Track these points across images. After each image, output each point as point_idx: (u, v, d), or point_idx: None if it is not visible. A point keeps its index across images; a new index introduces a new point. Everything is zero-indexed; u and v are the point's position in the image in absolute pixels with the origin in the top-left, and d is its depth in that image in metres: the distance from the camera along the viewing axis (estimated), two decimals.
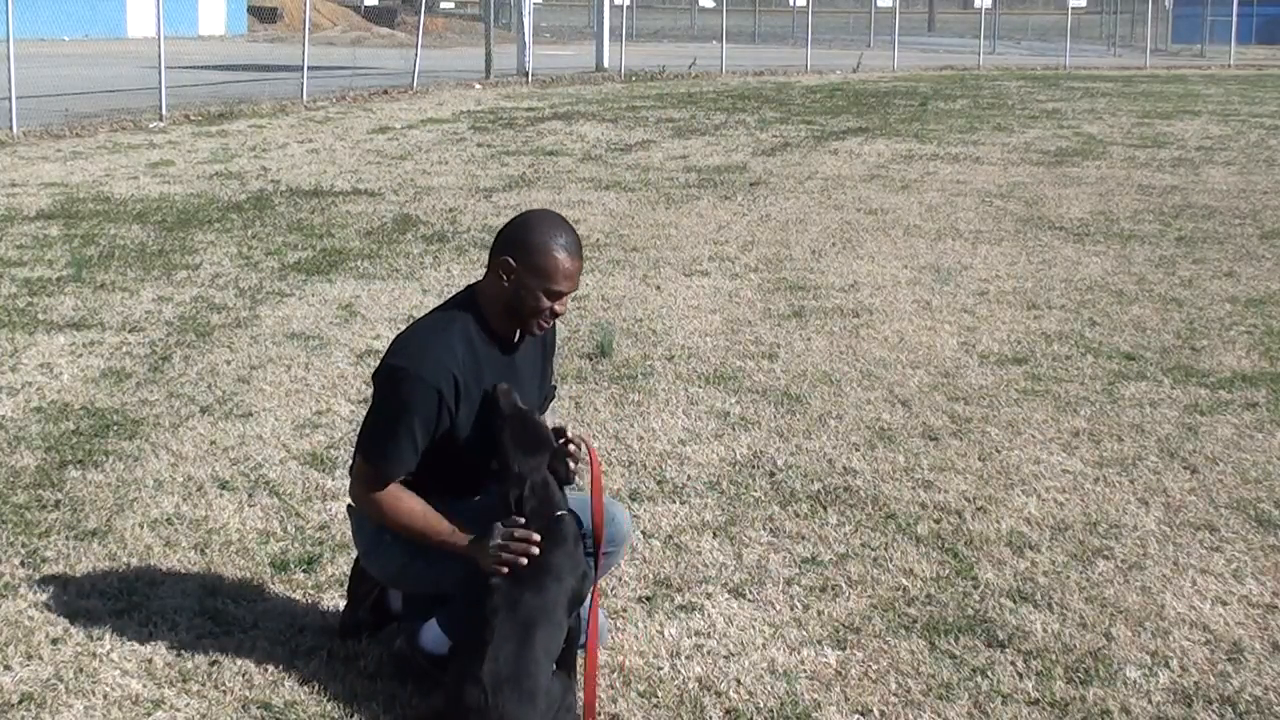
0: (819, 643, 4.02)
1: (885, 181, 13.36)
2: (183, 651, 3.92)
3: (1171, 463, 5.55)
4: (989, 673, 3.85)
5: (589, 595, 3.63)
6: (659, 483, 5.28)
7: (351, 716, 3.62)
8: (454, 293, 3.92)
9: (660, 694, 3.73)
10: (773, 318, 7.87)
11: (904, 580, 4.43)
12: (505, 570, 3.50)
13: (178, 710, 3.64)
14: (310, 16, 25.82)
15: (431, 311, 3.85)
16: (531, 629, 3.42)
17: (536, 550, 3.49)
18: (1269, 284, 8.93)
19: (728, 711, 3.66)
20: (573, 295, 3.78)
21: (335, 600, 4.24)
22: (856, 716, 3.66)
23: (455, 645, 3.69)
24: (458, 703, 3.34)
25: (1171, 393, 6.50)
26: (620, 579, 4.38)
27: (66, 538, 4.67)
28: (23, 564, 4.46)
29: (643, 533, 4.76)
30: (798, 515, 4.97)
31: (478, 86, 24.37)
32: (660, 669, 3.86)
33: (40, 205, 11.34)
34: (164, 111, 18.19)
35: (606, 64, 28.99)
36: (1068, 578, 4.46)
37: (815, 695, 3.74)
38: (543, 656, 3.41)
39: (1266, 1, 44.93)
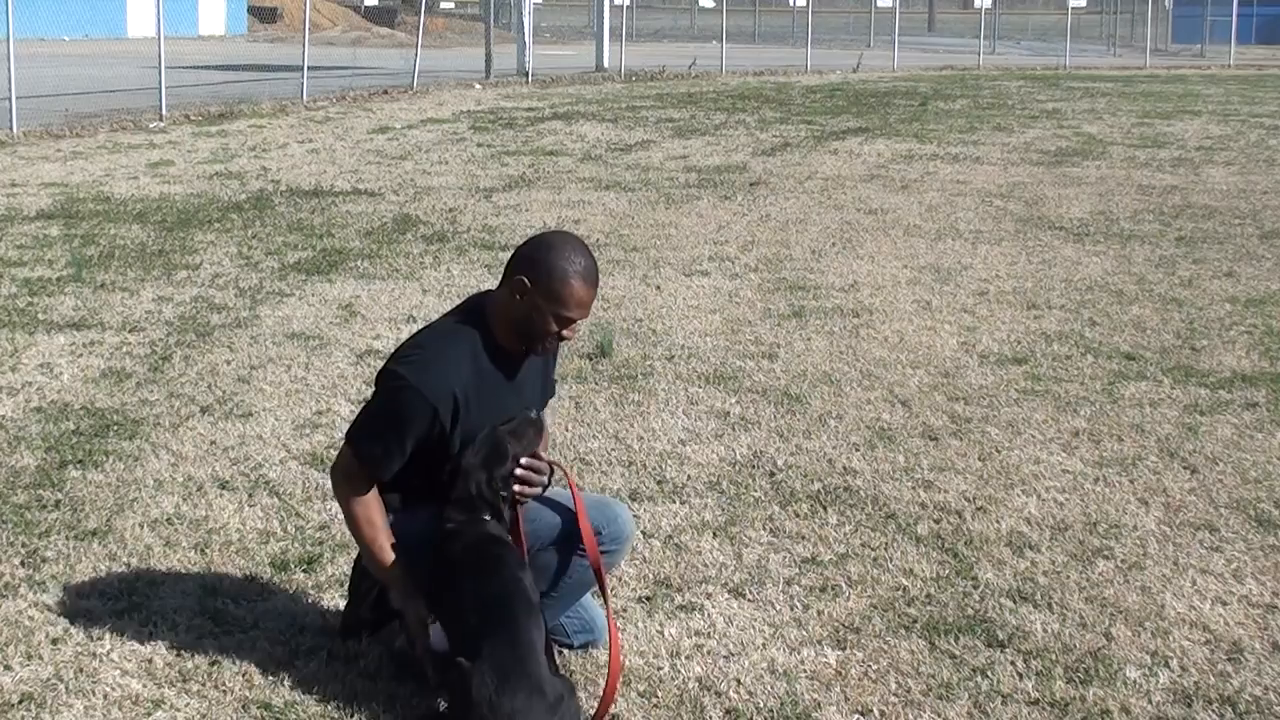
0: (819, 643, 4.02)
1: (885, 181, 13.36)
2: (183, 651, 3.92)
3: (1171, 463, 5.55)
4: (989, 673, 3.85)
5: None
6: (659, 483, 5.28)
7: (351, 716, 3.62)
8: (467, 296, 3.92)
9: (660, 694, 3.73)
10: (773, 318, 7.88)
11: (904, 580, 4.43)
12: (414, 632, 3.65)
13: (178, 710, 3.64)
14: (310, 16, 25.82)
15: (444, 318, 3.84)
16: (517, 621, 3.42)
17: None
18: (1269, 284, 8.93)
19: (728, 711, 3.66)
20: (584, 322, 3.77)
21: (335, 600, 4.24)
22: (856, 716, 3.66)
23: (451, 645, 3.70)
24: (465, 697, 3.34)
25: (1171, 393, 6.50)
26: (620, 579, 4.38)
27: (66, 538, 4.67)
28: (23, 564, 4.46)
29: (643, 533, 4.76)
30: (798, 515, 4.97)
31: (478, 86, 24.37)
32: (660, 669, 3.86)
33: (40, 205, 11.34)
34: (164, 111, 18.20)
35: (606, 64, 28.99)
36: (1068, 578, 4.46)
37: (815, 695, 3.74)
38: (536, 646, 3.40)
39: (1266, 1, 44.93)
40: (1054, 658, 3.94)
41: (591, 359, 6.90)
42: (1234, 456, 5.63)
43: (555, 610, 3.81)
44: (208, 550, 4.61)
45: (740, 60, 30.79)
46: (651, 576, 4.45)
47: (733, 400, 6.30)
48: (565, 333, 3.69)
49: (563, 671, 3.64)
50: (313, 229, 10.47)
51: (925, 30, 56.78)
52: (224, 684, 3.76)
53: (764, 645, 4.00)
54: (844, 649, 3.98)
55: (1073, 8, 36.75)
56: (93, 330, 7.43)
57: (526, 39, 27.08)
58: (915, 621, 4.15)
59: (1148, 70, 32.37)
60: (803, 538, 4.77)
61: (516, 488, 3.67)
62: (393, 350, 3.84)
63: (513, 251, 3.78)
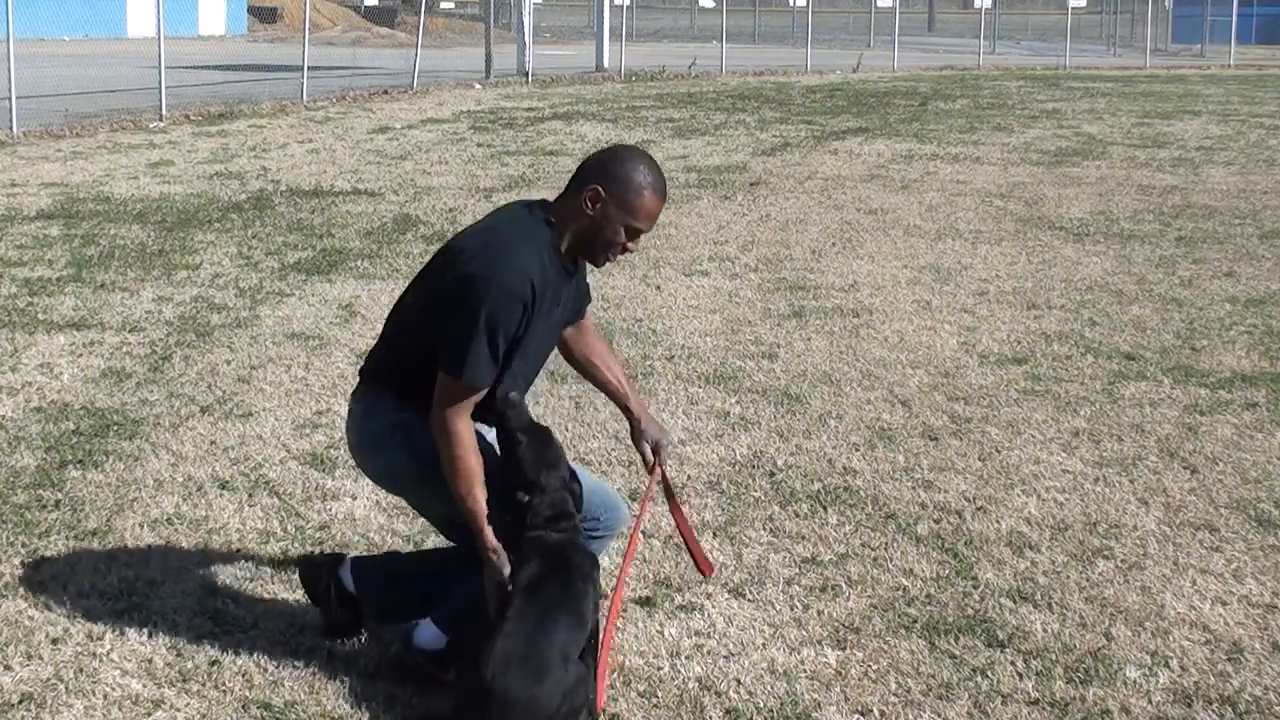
0: (819, 643, 4.02)
1: (885, 181, 13.36)
2: (183, 651, 3.92)
3: (1171, 463, 5.55)
4: (989, 673, 3.85)
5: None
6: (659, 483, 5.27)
7: (351, 716, 3.62)
8: (508, 204, 3.90)
9: (660, 694, 3.73)
10: (773, 318, 7.88)
11: (904, 580, 4.43)
12: (499, 589, 3.54)
13: (178, 710, 3.64)
14: (310, 16, 25.82)
15: (505, 218, 3.78)
16: (553, 614, 3.43)
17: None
18: (1269, 284, 8.93)
19: (728, 711, 3.66)
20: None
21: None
22: (856, 716, 3.66)
23: (453, 641, 3.69)
24: (463, 679, 3.36)
25: (1171, 393, 6.50)
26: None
27: (66, 538, 4.67)
28: (23, 564, 4.47)
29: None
30: (798, 515, 4.97)
31: (478, 86, 24.37)
32: (660, 669, 3.86)
33: (40, 205, 11.34)
34: (164, 111, 18.20)
35: (606, 64, 28.99)
36: (1068, 578, 4.46)
37: (815, 695, 3.74)
38: (560, 644, 3.41)
39: (1266, 1, 44.93)
40: (1054, 658, 3.94)
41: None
42: (1234, 456, 5.63)
43: None
44: (207, 550, 4.61)
45: (740, 60, 30.80)
46: (651, 576, 4.45)
47: (733, 400, 6.30)
48: (630, 245, 3.72)
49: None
50: (313, 229, 10.47)
51: (925, 30, 56.79)
52: (224, 684, 3.76)
53: (764, 645, 4.00)
54: (844, 649, 3.98)
55: (1073, 8, 36.75)
56: (93, 330, 7.43)
57: (526, 39, 27.08)
58: (915, 621, 4.15)
59: (1148, 70, 32.38)
60: (803, 538, 4.77)
61: None
62: (450, 249, 3.72)
63: (581, 162, 3.79)
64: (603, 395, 4.08)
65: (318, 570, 4.00)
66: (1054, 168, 14.49)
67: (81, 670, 3.82)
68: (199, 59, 29.20)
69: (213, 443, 5.67)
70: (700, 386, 6.51)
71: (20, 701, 3.66)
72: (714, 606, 4.25)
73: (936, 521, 4.92)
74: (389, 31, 47.81)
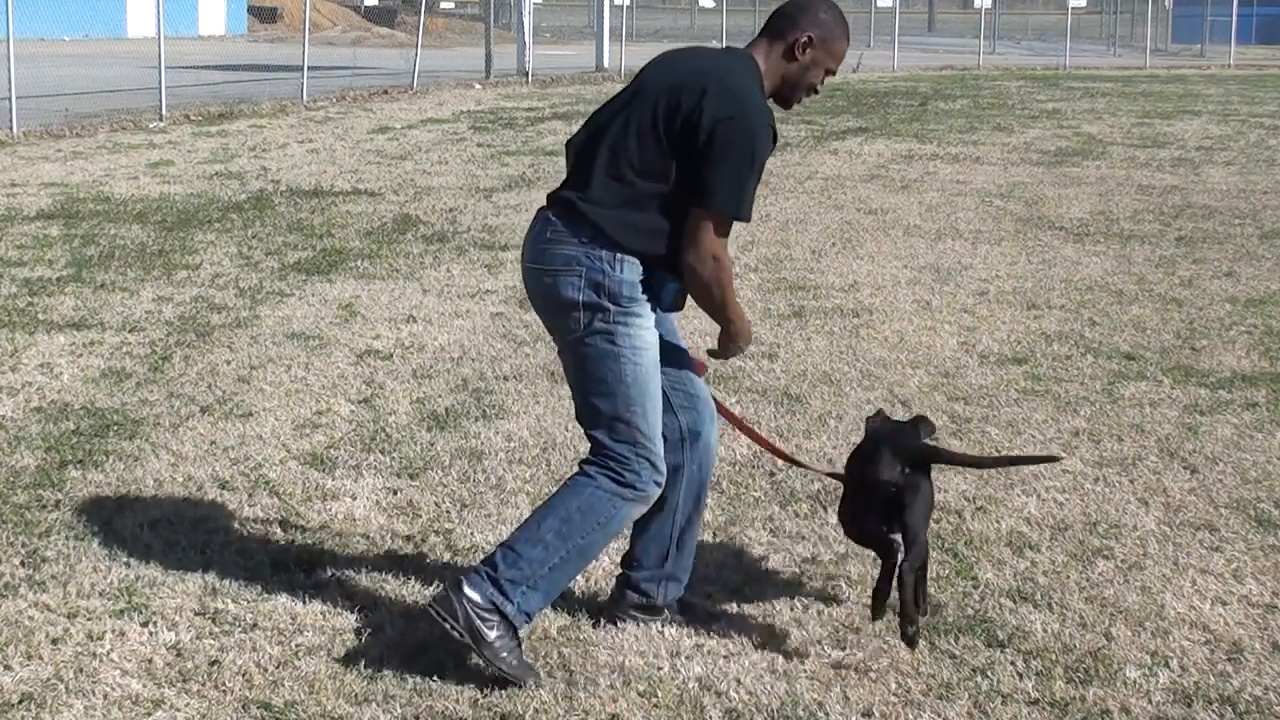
0: (819, 643, 4.02)
1: (885, 181, 13.36)
2: (183, 651, 3.92)
3: (1171, 463, 5.55)
4: (989, 673, 3.85)
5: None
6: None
7: (351, 716, 3.62)
8: (730, 48, 3.99)
9: (660, 694, 3.73)
10: (773, 318, 7.87)
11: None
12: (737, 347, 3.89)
13: (178, 710, 3.64)
14: (310, 16, 25.82)
15: (732, 63, 3.83)
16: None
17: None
18: (1269, 284, 8.93)
19: (727, 711, 3.66)
20: None
21: (335, 600, 4.23)
22: (856, 716, 3.65)
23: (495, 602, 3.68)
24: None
25: (1171, 393, 6.50)
26: None
27: (66, 538, 4.67)
28: (23, 564, 4.46)
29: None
30: (798, 515, 4.97)
31: (478, 86, 24.37)
32: (660, 669, 3.86)
33: (40, 205, 11.35)
34: (164, 111, 18.20)
35: (606, 64, 28.99)
36: (1068, 578, 4.46)
37: (815, 695, 3.73)
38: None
39: (1266, 1, 44.94)
40: (1054, 658, 3.94)
41: None
42: (1234, 456, 5.63)
43: None
44: (207, 550, 4.61)
45: None
46: None
47: (733, 400, 6.29)
48: (820, 86, 3.93)
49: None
50: (313, 229, 10.47)
51: (925, 30, 56.79)
52: (224, 684, 3.76)
53: (764, 645, 4.00)
54: (844, 649, 3.98)
55: (1073, 8, 36.76)
56: (93, 330, 7.43)
57: (526, 39, 27.09)
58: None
59: (1148, 70, 32.38)
60: (803, 538, 4.77)
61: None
62: (676, 88, 3.72)
63: (779, 9, 3.91)
64: None
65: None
66: (1054, 168, 14.49)
67: (81, 670, 3.82)
68: (199, 59, 29.21)
69: (213, 443, 5.67)
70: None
71: (20, 701, 3.66)
72: (714, 606, 4.25)
73: (936, 521, 4.91)
74: (389, 31, 47.80)
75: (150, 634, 4.02)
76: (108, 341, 7.21)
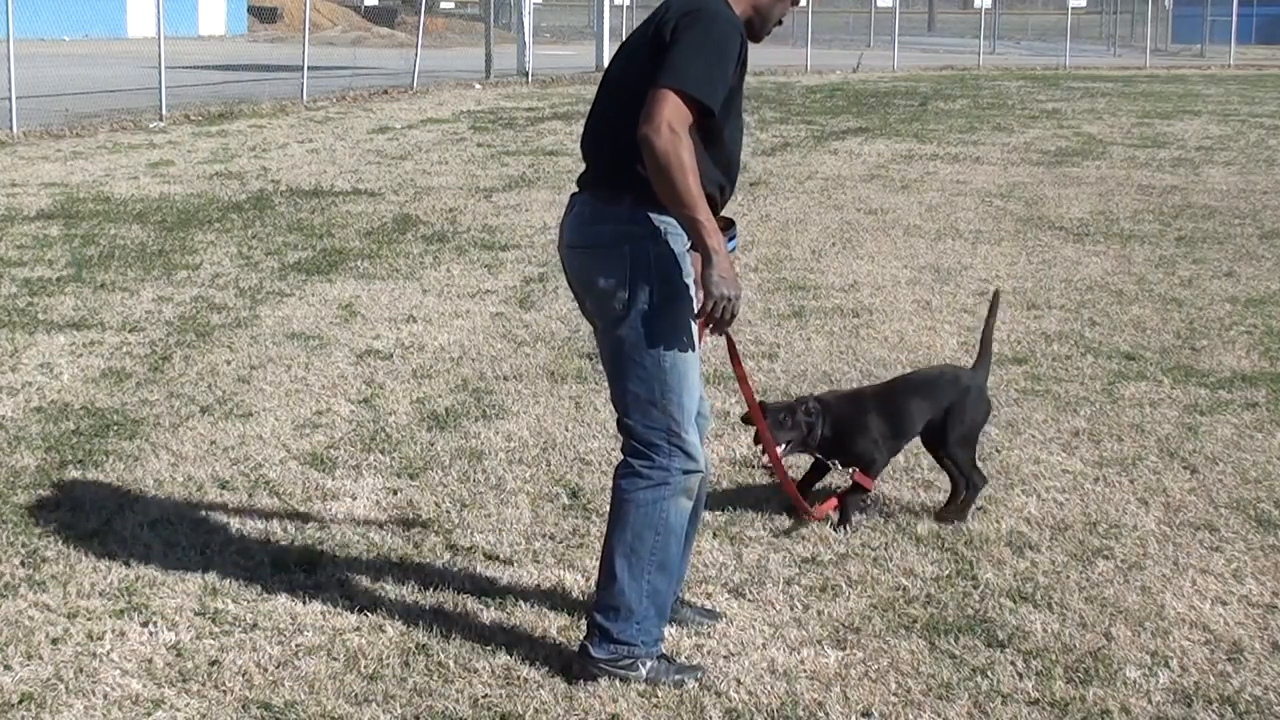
0: (819, 643, 4.02)
1: (885, 181, 13.36)
2: (183, 651, 3.92)
3: (1171, 463, 5.55)
4: (989, 673, 3.85)
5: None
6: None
7: (351, 716, 3.62)
8: None
9: (660, 694, 3.72)
10: (773, 318, 7.87)
11: (904, 580, 4.43)
12: (723, 302, 3.54)
13: (178, 710, 3.64)
14: (310, 16, 25.82)
15: None
16: None
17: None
18: (1269, 284, 8.93)
19: (728, 711, 3.66)
20: None
21: (335, 600, 4.23)
22: (856, 716, 3.65)
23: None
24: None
25: (1171, 393, 6.50)
26: None
27: (66, 538, 4.67)
28: (23, 564, 4.46)
29: None
30: (798, 515, 4.96)
31: (478, 86, 24.37)
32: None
33: (40, 205, 11.35)
34: (164, 111, 18.20)
35: (606, 64, 28.89)
36: (1068, 578, 4.46)
37: (815, 695, 3.73)
38: None
39: (1266, 1, 44.95)
40: (1054, 658, 3.94)
41: (591, 359, 6.89)
42: (1234, 456, 5.63)
43: None
44: (207, 550, 4.61)
45: None
46: None
47: (733, 400, 6.29)
48: (782, 19, 3.86)
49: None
50: (313, 229, 10.47)
51: (925, 30, 56.80)
52: (224, 684, 3.76)
53: (764, 645, 4.00)
54: (844, 649, 3.98)
55: (1073, 8, 36.76)
56: (93, 330, 7.43)
57: (526, 39, 27.09)
58: (915, 621, 4.14)
59: (1148, 70, 32.38)
60: (803, 538, 4.77)
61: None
62: (654, 17, 3.68)
63: None
64: (603, 395, 4.07)
65: None
66: (1054, 168, 14.49)
67: (81, 670, 3.82)
68: (199, 59, 29.21)
69: (213, 443, 5.67)
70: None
71: (20, 701, 3.66)
72: (714, 606, 4.25)
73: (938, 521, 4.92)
74: (389, 31, 47.81)
75: (150, 634, 4.02)
76: (108, 341, 7.21)
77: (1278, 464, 5.56)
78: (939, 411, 4.93)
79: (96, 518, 4.85)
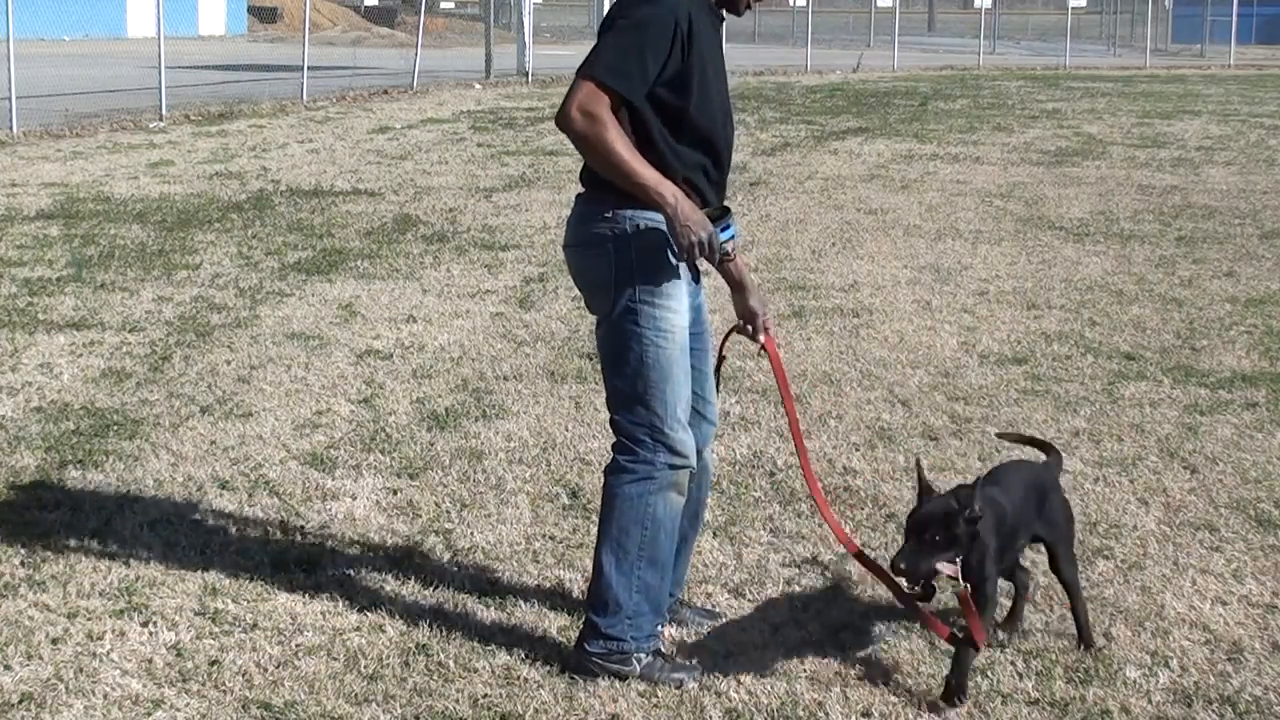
0: (819, 643, 4.02)
1: (885, 181, 13.36)
2: (183, 651, 3.92)
3: (1171, 463, 5.55)
4: (989, 673, 3.85)
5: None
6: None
7: (351, 716, 3.62)
8: None
9: (660, 694, 3.72)
10: (773, 318, 7.86)
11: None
12: (693, 246, 3.58)
13: (178, 710, 3.64)
14: (310, 16, 25.82)
15: None
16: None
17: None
18: (1269, 284, 8.93)
19: (728, 711, 3.66)
20: None
21: (335, 600, 4.23)
22: (856, 716, 3.65)
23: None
24: None
25: (1171, 393, 6.50)
26: None
27: (66, 538, 4.67)
28: (23, 564, 4.46)
29: None
30: (798, 515, 4.96)
31: (478, 86, 24.37)
32: (660, 668, 3.85)
33: (40, 205, 11.35)
34: (164, 111, 18.20)
35: None
36: None
37: (815, 695, 3.73)
38: None
39: (1266, 1, 44.93)
40: (1054, 658, 3.94)
41: (591, 359, 6.89)
42: (1234, 456, 5.63)
43: None
44: (207, 550, 4.61)
45: (740, 60, 30.75)
46: None
47: (733, 400, 6.29)
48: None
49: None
50: (313, 229, 10.47)
51: (925, 30, 56.78)
52: (224, 684, 3.76)
53: (764, 645, 4.00)
54: (844, 649, 3.98)
55: (1073, 8, 36.77)
56: (93, 330, 7.43)
57: (526, 39, 27.08)
58: (915, 621, 4.14)
59: (1148, 70, 32.37)
60: (803, 538, 4.77)
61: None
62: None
63: None
64: (602, 395, 4.06)
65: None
66: (1054, 168, 14.49)
67: (81, 670, 3.82)
68: (199, 59, 29.20)
69: (213, 443, 5.67)
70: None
71: (20, 701, 3.66)
72: (714, 606, 4.25)
73: None
74: (389, 31, 47.80)
75: (150, 634, 4.02)
76: (108, 341, 7.21)
77: (1278, 464, 5.55)
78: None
79: (96, 518, 4.85)
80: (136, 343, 7.20)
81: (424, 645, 3.94)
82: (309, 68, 21.45)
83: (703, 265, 3.83)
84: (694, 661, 3.88)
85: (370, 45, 40.71)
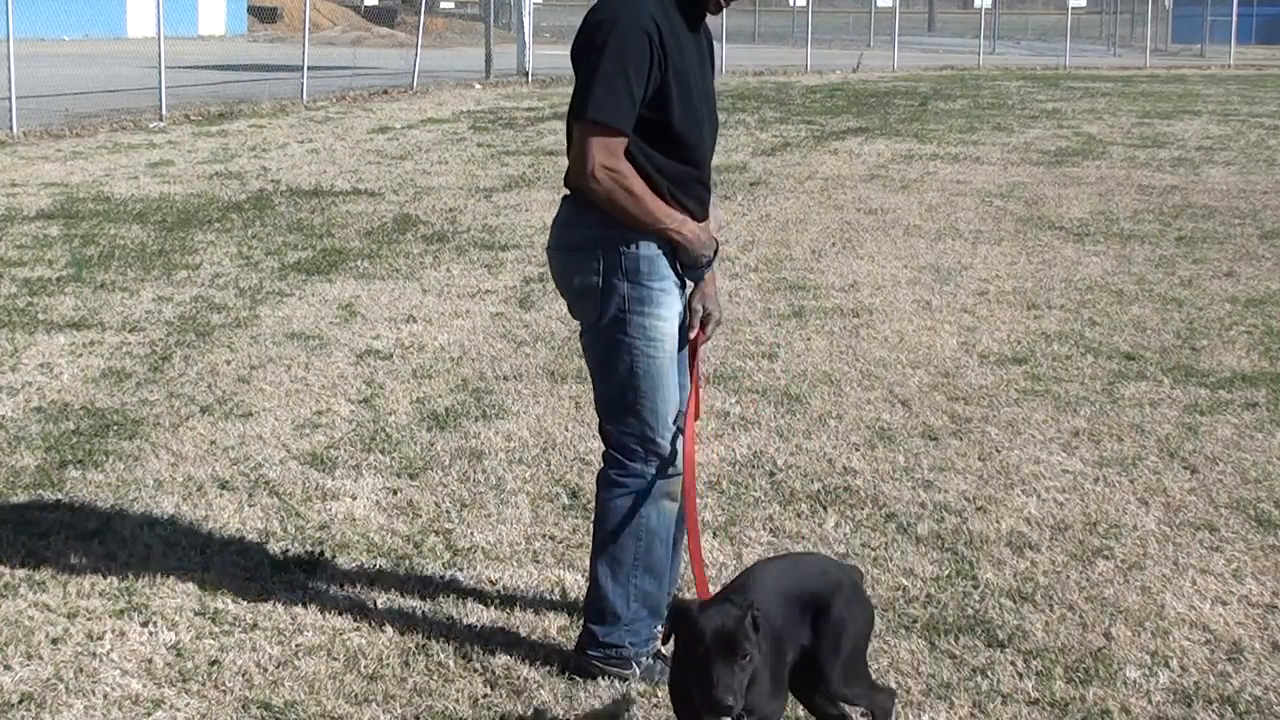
0: None
1: (885, 181, 13.36)
2: (183, 651, 3.92)
3: (1171, 463, 5.55)
4: (989, 673, 3.85)
5: None
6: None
7: (351, 716, 3.62)
8: None
9: (660, 694, 3.72)
10: (773, 318, 7.87)
11: (904, 580, 4.43)
12: (708, 259, 3.61)
13: (178, 710, 3.64)
14: (310, 16, 25.82)
15: None
16: None
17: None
18: (1269, 284, 8.93)
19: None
20: None
21: (335, 600, 4.23)
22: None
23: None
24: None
25: (1171, 393, 6.50)
26: None
27: (66, 538, 4.67)
28: (23, 564, 4.46)
29: None
30: (798, 515, 4.96)
31: (478, 86, 24.37)
32: (660, 668, 3.85)
33: (40, 205, 11.34)
34: (164, 111, 18.20)
35: None
36: (1068, 578, 4.46)
37: None
38: None
39: (1266, 1, 44.94)
40: (1054, 658, 3.94)
41: None
42: (1234, 456, 5.63)
43: None
44: (207, 550, 4.61)
45: (740, 60, 30.77)
46: None
47: (733, 400, 6.29)
48: None
49: None
50: (313, 229, 10.47)
51: (925, 30, 56.80)
52: (224, 684, 3.76)
53: None
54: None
55: (1073, 8, 36.77)
56: (93, 330, 7.43)
57: (526, 39, 27.08)
58: (915, 621, 4.14)
59: (1148, 70, 32.37)
60: (803, 538, 4.77)
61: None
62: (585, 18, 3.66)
63: None
64: None
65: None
66: (1054, 168, 14.49)
67: (81, 670, 3.82)
68: (199, 59, 29.20)
69: (213, 443, 5.67)
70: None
71: (20, 701, 3.66)
72: None
73: (937, 521, 4.92)
74: (389, 31, 47.80)
75: (150, 634, 4.02)
76: (108, 341, 7.21)
77: (1278, 464, 5.55)
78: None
79: (96, 518, 4.85)
80: (136, 343, 7.20)
81: (424, 645, 3.94)
82: (309, 68, 21.45)
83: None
84: None
85: (370, 45, 40.72)
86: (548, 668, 3.83)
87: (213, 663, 3.86)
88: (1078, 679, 3.83)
